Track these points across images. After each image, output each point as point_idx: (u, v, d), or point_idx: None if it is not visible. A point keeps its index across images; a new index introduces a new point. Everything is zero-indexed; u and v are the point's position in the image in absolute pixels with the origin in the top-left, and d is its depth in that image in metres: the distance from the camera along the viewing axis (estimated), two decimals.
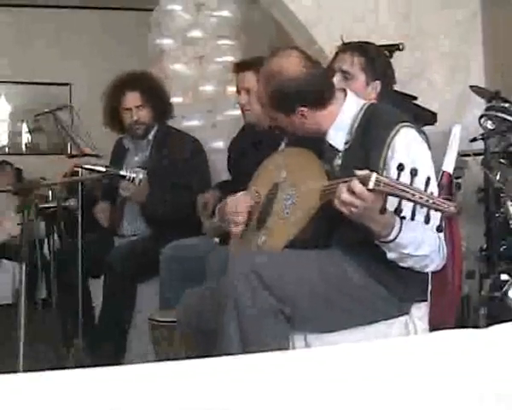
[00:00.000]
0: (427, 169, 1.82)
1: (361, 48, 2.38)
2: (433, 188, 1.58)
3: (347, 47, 2.41)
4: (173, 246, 3.17)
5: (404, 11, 3.74)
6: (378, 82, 2.36)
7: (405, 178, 1.58)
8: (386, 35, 3.34)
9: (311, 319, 1.93)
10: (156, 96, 3.50)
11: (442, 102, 3.58)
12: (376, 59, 2.38)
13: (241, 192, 2.27)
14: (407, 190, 1.56)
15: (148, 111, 3.45)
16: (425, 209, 1.56)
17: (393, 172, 1.60)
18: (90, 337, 3.11)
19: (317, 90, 2.00)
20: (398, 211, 1.59)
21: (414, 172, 1.56)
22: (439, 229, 1.60)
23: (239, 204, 2.19)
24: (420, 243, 1.81)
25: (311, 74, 2.00)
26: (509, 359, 1.01)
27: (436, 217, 1.59)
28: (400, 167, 1.59)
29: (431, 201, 1.55)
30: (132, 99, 3.42)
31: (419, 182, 1.57)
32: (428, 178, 1.57)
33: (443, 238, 1.90)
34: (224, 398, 0.91)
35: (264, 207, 2.17)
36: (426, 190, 1.56)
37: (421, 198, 1.55)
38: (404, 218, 1.65)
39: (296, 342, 1.94)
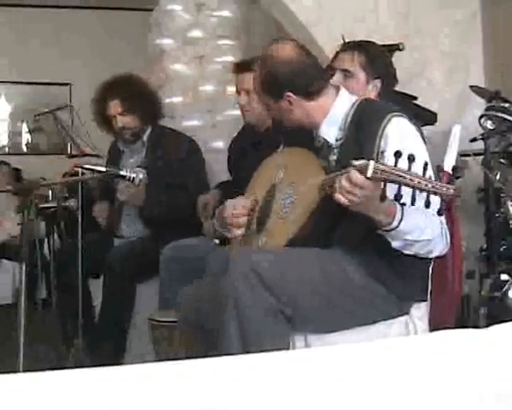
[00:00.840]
0: (423, 154, 1.83)
1: (361, 46, 2.39)
2: (431, 173, 1.59)
3: (348, 46, 2.42)
4: (173, 246, 3.17)
5: (403, 11, 3.75)
6: (378, 80, 2.36)
7: (403, 164, 1.58)
8: (387, 35, 3.34)
9: (311, 318, 1.93)
10: (139, 100, 3.44)
11: (442, 101, 3.58)
12: (377, 58, 2.39)
13: (239, 197, 2.27)
14: (405, 175, 1.56)
15: (132, 117, 3.41)
16: (424, 194, 1.57)
17: (391, 160, 1.60)
18: (89, 337, 3.11)
19: (306, 78, 2.02)
20: (397, 197, 1.59)
21: (412, 158, 1.57)
22: (439, 212, 1.61)
23: (237, 206, 2.19)
24: (423, 228, 1.82)
25: (302, 62, 2.02)
26: (509, 359, 1.01)
27: (436, 201, 1.60)
28: (398, 154, 1.59)
29: (430, 185, 1.55)
30: (113, 107, 3.40)
31: (417, 167, 1.57)
32: (426, 163, 1.57)
33: (445, 223, 1.90)
34: (224, 398, 0.91)
35: (263, 209, 2.17)
36: (424, 175, 1.56)
37: (419, 183, 1.55)
38: (404, 204, 1.65)
39: (296, 342, 1.94)
